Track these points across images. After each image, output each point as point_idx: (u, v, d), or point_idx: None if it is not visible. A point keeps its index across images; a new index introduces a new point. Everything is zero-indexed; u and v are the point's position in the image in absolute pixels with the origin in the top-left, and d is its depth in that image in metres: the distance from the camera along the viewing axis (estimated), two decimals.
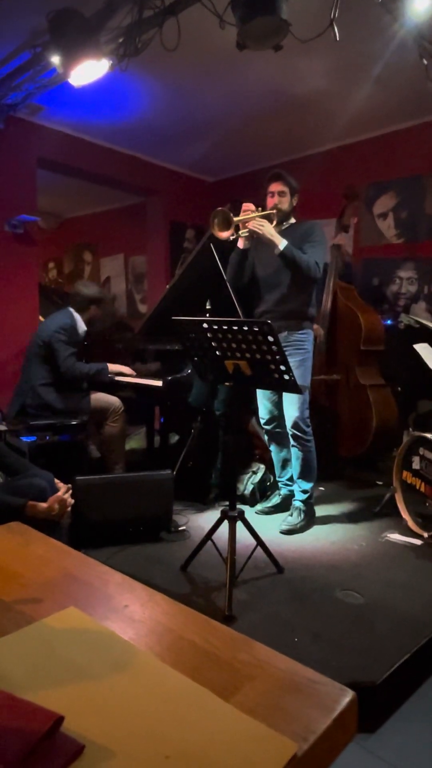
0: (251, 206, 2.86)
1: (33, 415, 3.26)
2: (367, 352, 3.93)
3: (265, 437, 3.29)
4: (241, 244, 2.94)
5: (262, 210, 2.92)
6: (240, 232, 2.83)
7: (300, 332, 2.98)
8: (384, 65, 3.42)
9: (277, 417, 3.11)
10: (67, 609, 0.90)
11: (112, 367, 3.51)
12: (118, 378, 3.55)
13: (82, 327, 3.47)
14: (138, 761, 0.60)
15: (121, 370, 3.54)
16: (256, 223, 2.79)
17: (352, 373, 3.91)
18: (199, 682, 0.72)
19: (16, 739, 0.58)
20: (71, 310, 3.48)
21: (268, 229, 2.80)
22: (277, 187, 2.98)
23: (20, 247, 4.52)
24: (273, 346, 2.07)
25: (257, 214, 2.84)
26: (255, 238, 2.89)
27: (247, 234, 2.86)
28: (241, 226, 2.81)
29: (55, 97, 3.96)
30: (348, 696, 0.70)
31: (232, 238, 2.77)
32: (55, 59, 2.96)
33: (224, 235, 2.71)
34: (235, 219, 2.72)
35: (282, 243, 2.79)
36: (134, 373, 3.55)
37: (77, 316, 3.46)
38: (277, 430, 3.14)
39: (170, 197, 5.77)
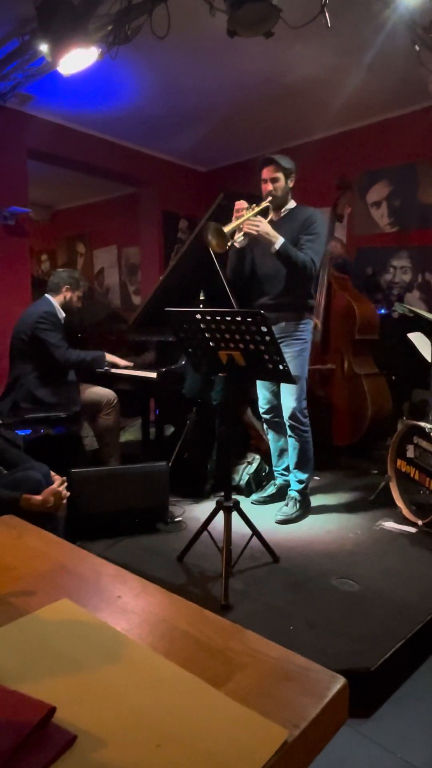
0: (243, 204, 2.74)
1: (25, 408, 3.25)
2: (362, 342, 3.94)
3: (264, 426, 3.29)
4: (237, 244, 2.83)
5: (258, 202, 2.80)
6: (236, 237, 2.72)
7: (299, 323, 2.95)
8: (376, 52, 3.39)
9: (276, 407, 3.10)
10: (60, 601, 0.90)
11: (110, 357, 3.47)
12: (112, 370, 3.54)
13: (60, 312, 3.42)
14: (130, 750, 0.60)
15: (116, 362, 3.51)
16: (251, 224, 2.68)
17: (346, 363, 3.91)
18: (191, 671, 0.72)
19: (7, 730, 0.58)
20: (47, 296, 3.45)
21: (264, 228, 2.69)
22: (269, 173, 2.87)
23: (12, 239, 4.49)
24: (266, 337, 2.07)
25: (251, 212, 2.72)
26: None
27: (242, 239, 2.78)
28: (237, 230, 2.70)
29: (45, 87, 3.92)
30: (339, 683, 0.70)
31: (228, 245, 2.68)
32: (44, 47, 2.93)
33: (223, 247, 2.62)
34: (226, 229, 2.60)
35: (278, 241, 2.71)
36: (131, 365, 3.54)
37: (54, 301, 3.42)
38: (276, 419, 3.14)
39: (163, 187, 5.73)
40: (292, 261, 2.75)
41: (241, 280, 3.05)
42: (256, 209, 2.75)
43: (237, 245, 2.85)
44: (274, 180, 2.88)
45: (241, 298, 3.18)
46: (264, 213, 2.80)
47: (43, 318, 3.28)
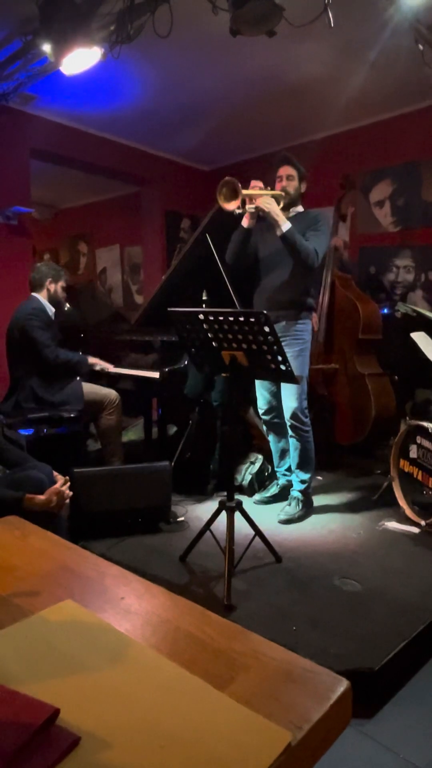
0: (260, 183, 2.80)
1: (28, 408, 3.25)
2: (365, 341, 3.93)
3: (264, 428, 3.29)
4: (245, 222, 2.87)
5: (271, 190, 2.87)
6: (246, 207, 2.77)
7: (298, 322, 2.96)
8: (379, 50, 3.38)
9: (276, 407, 3.10)
10: (64, 602, 0.90)
11: (92, 360, 3.51)
12: (115, 370, 3.55)
13: (50, 308, 3.42)
14: (134, 752, 0.60)
15: (99, 363, 3.52)
16: (264, 201, 2.74)
17: (350, 362, 3.91)
18: (194, 673, 0.72)
19: (11, 732, 0.58)
20: (33, 294, 3.44)
21: (275, 208, 2.75)
22: (285, 171, 2.94)
23: (14, 239, 4.49)
24: (269, 337, 2.06)
25: (266, 192, 2.79)
26: (261, 216, 2.82)
27: (253, 210, 2.80)
28: (248, 200, 2.75)
29: (48, 87, 3.92)
30: (342, 685, 0.70)
31: (238, 211, 2.71)
32: (47, 47, 2.93)
33: (230, 206, 2.64)
34: (244, 192, 2.66)
35: (285, 225, 2.74)
36: (111, 366, 3.55)
37: (40, 298, 3.41)
38: (276, 420, 3.14)
39: (165, 187, 5.72)
40: (297, 247, 2.77)
41: (242, 263, 3.04)
42: (272, 192, 2.82)
43: (245, 223, 2.87)
44: (289, 177, 2.94)
45: (243, 296, 3.18)
46: (276, 200, 2.83)
47: (34, 315, 3.27)
